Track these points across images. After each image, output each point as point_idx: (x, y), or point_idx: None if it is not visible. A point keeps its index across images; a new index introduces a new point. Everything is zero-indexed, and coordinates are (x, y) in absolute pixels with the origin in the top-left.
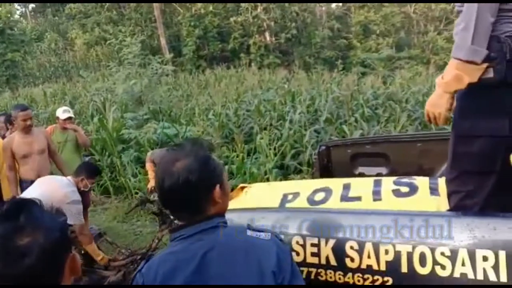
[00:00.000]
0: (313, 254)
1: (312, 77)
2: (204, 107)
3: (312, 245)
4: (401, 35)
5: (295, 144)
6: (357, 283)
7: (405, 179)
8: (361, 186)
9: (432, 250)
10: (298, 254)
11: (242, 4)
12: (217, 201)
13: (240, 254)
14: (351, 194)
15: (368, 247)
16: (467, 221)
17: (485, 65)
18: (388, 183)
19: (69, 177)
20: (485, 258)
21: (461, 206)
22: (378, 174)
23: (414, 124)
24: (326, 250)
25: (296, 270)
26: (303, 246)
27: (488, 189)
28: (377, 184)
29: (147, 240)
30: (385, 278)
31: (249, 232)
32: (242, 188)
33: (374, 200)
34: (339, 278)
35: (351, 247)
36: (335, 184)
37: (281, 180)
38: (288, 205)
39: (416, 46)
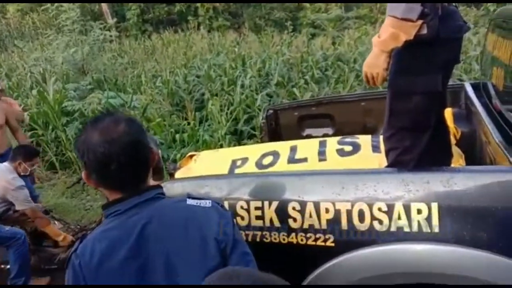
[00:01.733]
0: (257, 217)
1: (262, 40)
2: (152, 74)
3: (256, 208)
4: None
5: (247, 109)
6: (300, 242)
7: (349, 139)
8: (307, 147)
9: (370, 206)
10: (243, 218)
11: None
12: (153, 167)
13: (180, 224)
14: (298, 156)
15: (310, 207)
16: (402, 176)
17: (420, 21)
18: (332, 143)
19: (5, 163)
20: (419, 211)
21: (398, 162)
22: (325, 135)
23: (362, 84)
24: (270, 213)
25: (239, 236)
26: (248, 210)
27: (423, 145)
28: (322, 144)
29: (98, 214)
30: (327, 236)
31: (189, 201)
32: (191, 156)
33: (320, 160)
34: (283, 239)
35: (293, 208)
36: (282, 147)
37: (235, 145)
38: (237, 170)
39: (364, 5)
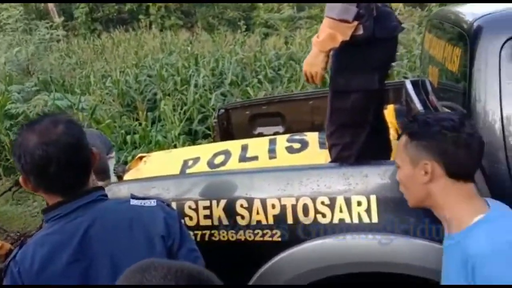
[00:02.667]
0: (205, 217)
1: (216, 39)
2: (101, 74)
3: (205, 207)
4: None
5: (201, 109)
6: (248, 239)
7: (297, 136)
8: (258, 146)
9: (313, 200)
10: (191, 218)
11: None
12: (94, 168)
13: (124, 225)
14: (249, 154)
15: (257, 203)
16: (343, 171)
17: (356, 22)
18: (282, 141)
19: None
20: (359, 203)
21: (340, 158)
22: (276, 133)
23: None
24: (218, 211)
25: (186, 233)
26: (196, 210)
27: (362, 140)
28: (272, 142)
29: None
30: (274, 231)
31: (132, 202)
32: (141, 158)
33: (270, 158)
34: (232, 237)
35: (241, 206)
36: (234, 146)
37: (189, 146)
38: (188, 171)
39: (316, 5)
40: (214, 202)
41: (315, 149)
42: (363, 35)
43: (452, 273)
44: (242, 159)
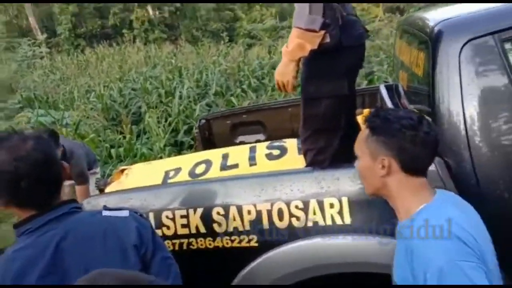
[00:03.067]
0: (183, 226)
1: (199, 51)
2: (85, 89)
3: (182, 216)
4: (283, 5)
5: (186, 120)
6: (225, 245)
7: (276, 143)
8: (238, 154)
9: (288, 205)
10: (168, 228)
11: None
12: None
13: (97, 236)
14: (230, 162)
15: (233, 210)
16: (316, 174)
17: (323, 32)
18: (262, 148)
19: None
20: (331, 205)
21: (314, 162)
22: (257, 141)
23: (297, 91)
24: (195, 220)
25: (160, 242)
26: (173, 219)
27: (336, 144)
28: (253, 150)
29: None
30: (250, 237)
31: (105, 213)
32: (123, 170)
33: (250, 165)
34: (209, 244)
35: (218, 213)
36: (215, 155)
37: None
38: (170, 181)
39: None
40: (191, 211)
41: (293, 155)
42: (331, 43)
43: (400, 258)
44: (223, 167)
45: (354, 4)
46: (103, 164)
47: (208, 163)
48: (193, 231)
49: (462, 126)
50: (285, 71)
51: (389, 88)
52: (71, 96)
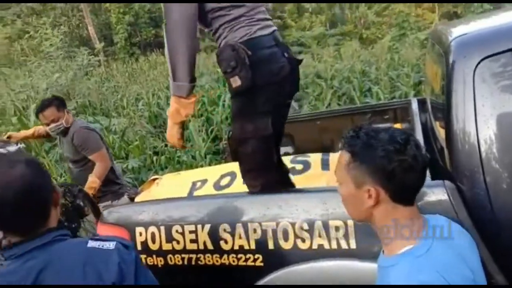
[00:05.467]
0: (192, 241)
1: None
2: (134, 97)
3: (191, 232)
4: (335, 12)
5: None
6: (232, 263)
7: (300, 157)
8: None
9: (293, 225)
10: (178, 242)
11: None
12: (54, 209)
13: (77, 269)
14: None
15: (239, 228)
16: (321, 195)
17: (193, 99)
18: (285, 162)
19: None
20: (337, 228)
21: None
22: (286, 153)
23: (342, 100)
24: (203, 236)
25: (142, 274)
26: (182, 234)
27: (275, 178)
28: None
29: None
30: (256, 256)
31: (90, 243)
32: (154, 180)
33: None
34: (216, 261)
35: (225, 230)
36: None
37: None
38: (196, 193)
39: (348, 21)
40: (200, 227)
41: (317, 171)
42: (243, 85)
43: None
44: None
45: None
46: (147, 171)
47: (233, 175)
48: (201, 247)
49: (476, 149)
50: (171, 133)
51: (420, 103)
52: (121, 103)
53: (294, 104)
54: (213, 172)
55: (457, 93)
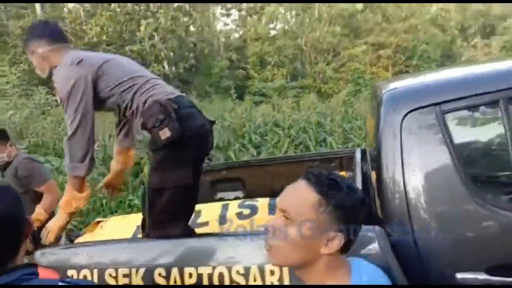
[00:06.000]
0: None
1: (209, 106)
2: None
3: (124, 275)
4: (296, 66)
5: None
6: None
7: (248, 202)
8: (210, 211)
9: (229, 269)
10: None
11: (138, 33)
12: (24, 243)
13: None
14: (200, 220)
15: (174, 272)
16: (259, 240)
17: (84, 194)
18: (233, 206)
19: None
20: (272, 273)
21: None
22: (236, 198)
23: (298, 148)
24: (137, 280)
25: None
26: (116, 278)
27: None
28: (225, 208)
29: None
30: None
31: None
32: (98, 222)
33: (220, 224)
34: None
35: (159, 274)
36: None
37: None
38: (140, 235)
39: (308, 75)
40: (134, 270)
41: (263, 215)
42: (173, 136)
43: None
44: (193, 225)
45: (361, 64)
46: (96, 214)
47: None
48: None
49: (403, 197)
50: (56, 224)
51: (363, 152)
52: None
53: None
54: None
55: (386, 144)
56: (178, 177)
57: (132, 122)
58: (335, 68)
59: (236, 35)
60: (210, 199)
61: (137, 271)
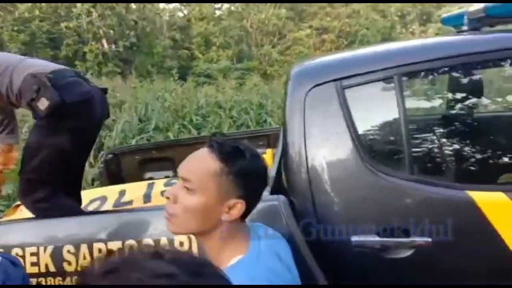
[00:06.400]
0: (32, 264)
1: (150, 86)
2: (19, 119)
3: (32, 254)
4: (242, 47)
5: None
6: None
7: (175, 180)
8: (135, 190)
9: (139, 243)
10: None
11: (74, 9)
12: None
13: None
14: (124, 199)
15: (83, 248)
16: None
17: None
18: (159, 185)
19: None
20: (181, 244)
21: (37, 210)
22: (167, 177)
23: (240, 129)
24: (45, 258)
25: None
26: (23, 257)
27: (61, 199)
28: (150, 187)
29: None
30: None
31: None
32: (18, 205)
33: (144, 202)
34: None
35: (68, 251)
36: (112, 191)
37: None
38: None
39: (254, 58)
40: (41, 248)
41: None
42: (52, 104)
43: None
44: (117, 204)
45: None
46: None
47: (103, 199)
48: (43, 270)
49: (304, 168)
50: None
51: None
52: None
53: None
54: (83, 197)
55: (292, 118)
56: (57, 140)
57: (20, 107)
58: (280, 51)
59: (180, 14)
60: (139, 178)
61: (45, 249)
